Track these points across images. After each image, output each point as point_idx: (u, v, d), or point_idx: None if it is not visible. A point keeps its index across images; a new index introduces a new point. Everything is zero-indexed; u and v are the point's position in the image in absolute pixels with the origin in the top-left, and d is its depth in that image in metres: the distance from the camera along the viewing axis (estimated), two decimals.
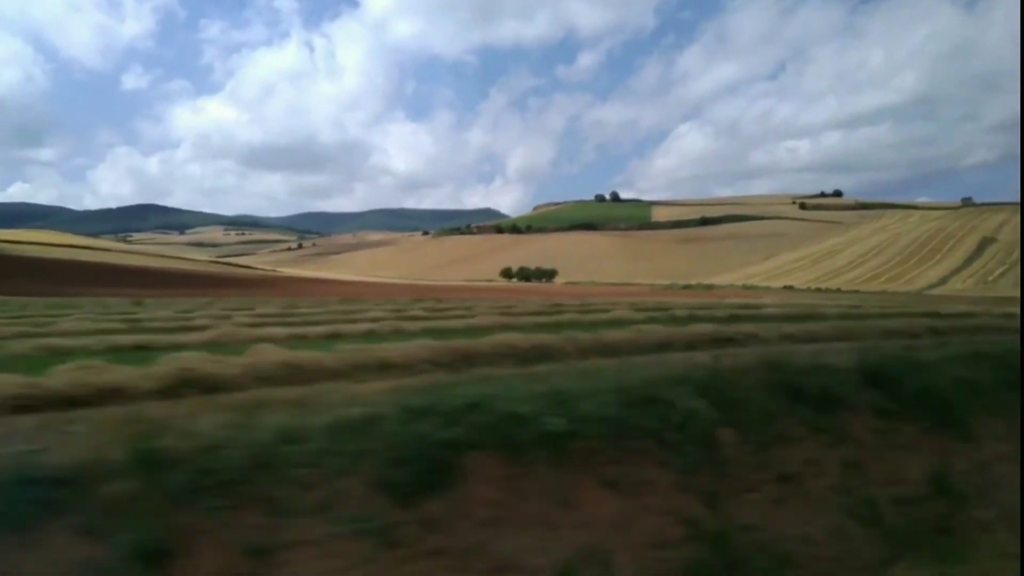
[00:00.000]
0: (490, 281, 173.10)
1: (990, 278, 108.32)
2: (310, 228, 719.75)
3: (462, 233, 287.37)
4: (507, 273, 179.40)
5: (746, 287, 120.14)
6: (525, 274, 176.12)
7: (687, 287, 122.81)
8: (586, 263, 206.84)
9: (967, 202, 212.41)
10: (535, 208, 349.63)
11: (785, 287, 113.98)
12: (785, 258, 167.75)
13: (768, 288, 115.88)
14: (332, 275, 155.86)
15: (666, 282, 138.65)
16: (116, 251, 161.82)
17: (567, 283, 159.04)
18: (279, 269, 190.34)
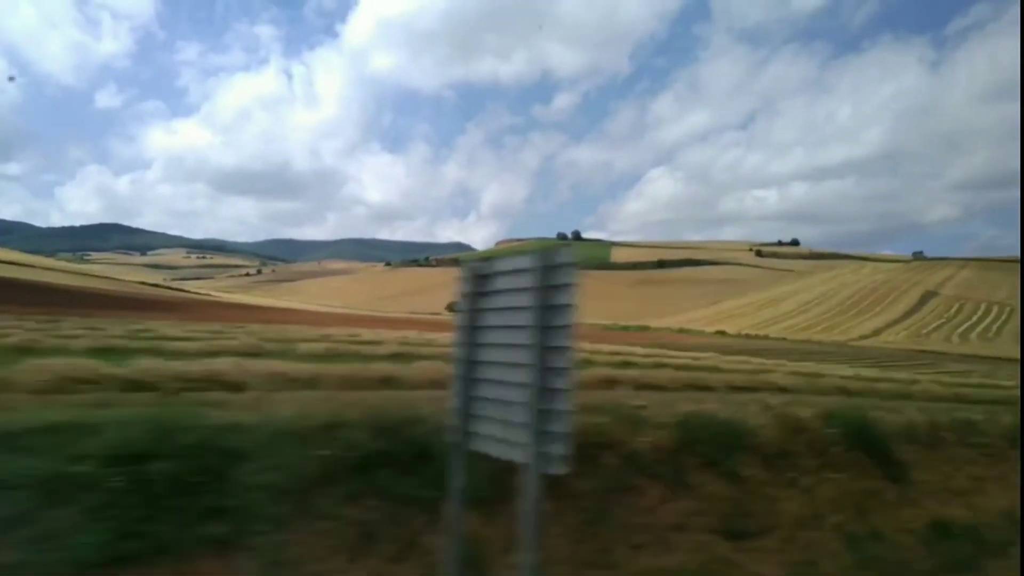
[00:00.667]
0: (435, 314, 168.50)
1: (924, 331, 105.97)
2: (278, 255, 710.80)
3: (420, 265, 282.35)
4: (453, 307, 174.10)
5: (681, 331, 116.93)
6: None
7: (624, 328, 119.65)
8: None
9: (918, 256, 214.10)
10: (498, 243, 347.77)
11: (718, 332, 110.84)
12: (731, 304, 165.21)
13: (702, 332, 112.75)
14: (259, 301, 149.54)
15: (607, 322, 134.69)
16: (55, 270, 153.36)
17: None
18: (214, 294, 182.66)
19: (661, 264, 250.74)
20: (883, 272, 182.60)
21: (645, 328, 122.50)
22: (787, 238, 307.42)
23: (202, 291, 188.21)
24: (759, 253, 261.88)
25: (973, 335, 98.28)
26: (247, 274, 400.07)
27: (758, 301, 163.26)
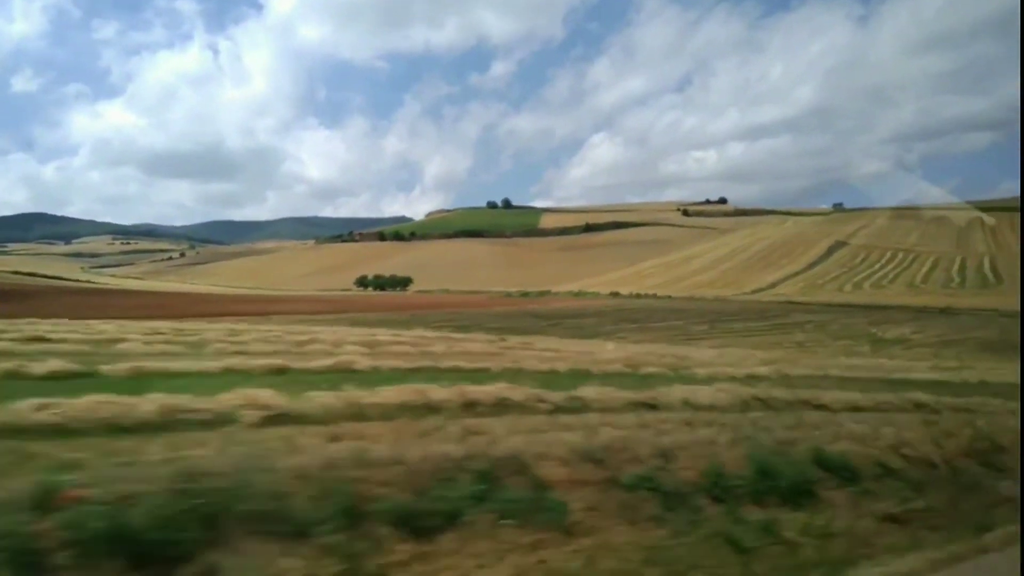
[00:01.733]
0: (345, 291, 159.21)
1: (820, 282, 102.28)
2: (214, 237, 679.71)
3: (344, 241, 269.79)
4: (362, 282, 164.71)
5: (575, 294, 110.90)
6: (380, 283, 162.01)
7: (524, 295, 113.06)
8: (463, 271, 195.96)
9: (838, 208, 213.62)
10: (428, 215, 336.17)
11: (612, 293, 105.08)
12: (647, 264, 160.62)
13: (596, 294, 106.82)
14: (160, 287, 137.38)
15: (515, 290, 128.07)
16: None
17: (418, 291, 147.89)
18: (111, 282, 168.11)
19: (588, 228, 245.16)
20: (802, 226, 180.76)
21: (544, 293, 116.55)
22: (729, 197, 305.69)
23: (98, 280, 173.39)
24: (686, 213, 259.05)
25: (867, 284, 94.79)
26: (170, 258, 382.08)
27: (671, 261, 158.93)
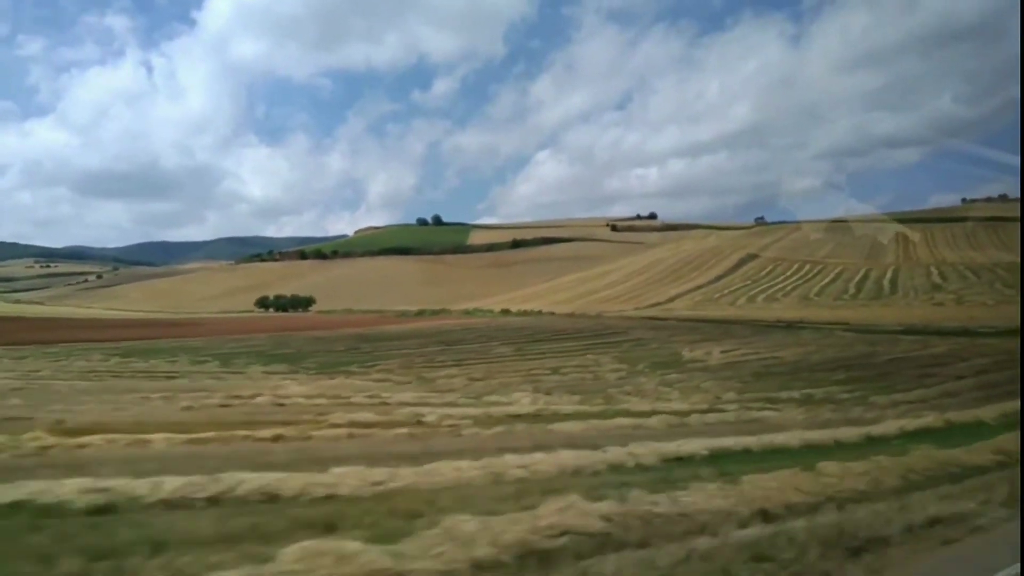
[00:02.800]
0: (248, 312, 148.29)
1: (716, 296, 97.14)
2: (147, 258, 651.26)
3: (263, 260, 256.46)
4: (263, 302, 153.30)
5: (468, 312, 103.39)
6: (281, 303, 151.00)
7: (419, 313, 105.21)
8: (380, 289, 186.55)
9: (759, 222, 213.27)
10: (357, 232, 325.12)
11: (503, 311, 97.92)
12: (566, 279, 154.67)
13: (490, 312, 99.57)
14: (44, 312, 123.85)
15: (415, 309, 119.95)
16: None
17: (320, 312, 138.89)
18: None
19: (516, 244, 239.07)
20: (722, 239, 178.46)
21: (442, 311, 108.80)
22: (672, 213, 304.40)
23: None
24: (614, 228, 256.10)
25: (761, 297, 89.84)
26: (86, 280, 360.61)
27: (591, 275, 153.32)
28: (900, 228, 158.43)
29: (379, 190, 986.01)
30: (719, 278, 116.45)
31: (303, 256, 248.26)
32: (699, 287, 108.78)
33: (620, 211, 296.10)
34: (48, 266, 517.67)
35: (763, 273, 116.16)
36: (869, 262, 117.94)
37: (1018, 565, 3.55)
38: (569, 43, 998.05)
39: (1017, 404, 9.76)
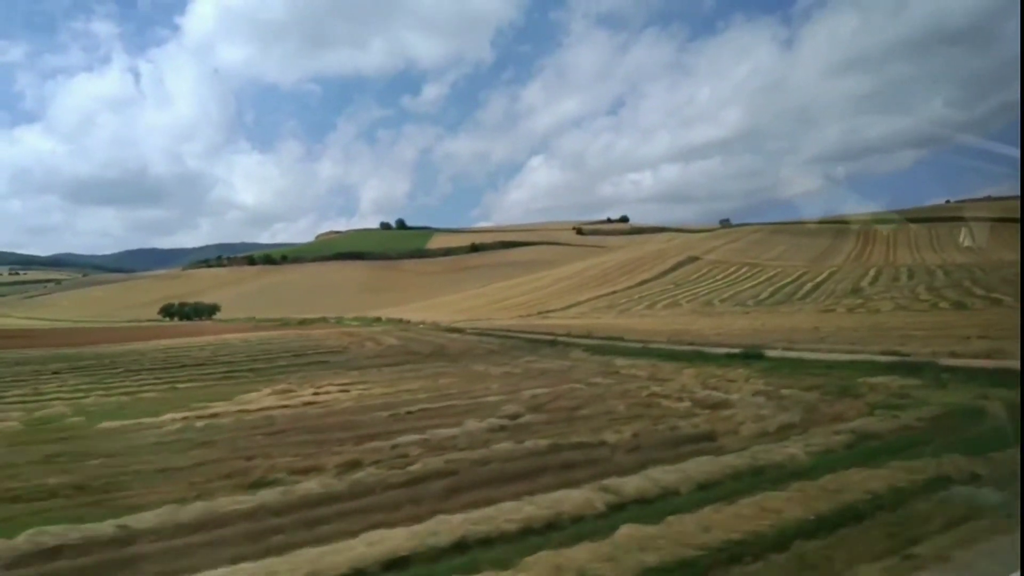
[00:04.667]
0: (155, 321, 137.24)
1: (622, 300, 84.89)
2: (136, 266, 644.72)
3: (210, 266, 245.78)
4: (167, 310, 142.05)
5: (339, 321, 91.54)
6: (184, 311, 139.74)
7: (303, 321, 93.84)
8: (319, 295, 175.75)
9: (724, 224, 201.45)
10: (318, 236, 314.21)
11: (375, 319, 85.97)
12: (492, 286, 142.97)
13: (378, 320, 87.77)
14: None
15: (299, 317, 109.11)
16: None
17: (221, 320, 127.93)
18: None
19: (474, 249, 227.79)
20: (676, 242, 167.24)
21: (308, 321, 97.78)
22: (667, 219, 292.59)
23: None
24: (580, 232, 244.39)
25: (662, 304, 77.47)
26: (46, 285, 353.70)
27: (528, 279, 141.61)
28: (886, 227, 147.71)
29: (372, 196, 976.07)
30: (644, 283, 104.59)
31: (251, 262, 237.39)
32: (613, 292, 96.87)
33: (614, 216, 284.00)
34: (17, 273, 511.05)
35: (692, 277, 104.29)
36: (814, 264, 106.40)
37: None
38: (559, 48, 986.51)
39: None
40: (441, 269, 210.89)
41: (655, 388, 14.70)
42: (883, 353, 17.72)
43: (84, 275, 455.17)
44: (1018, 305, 40.12)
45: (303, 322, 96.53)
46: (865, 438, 8.87)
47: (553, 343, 30.98)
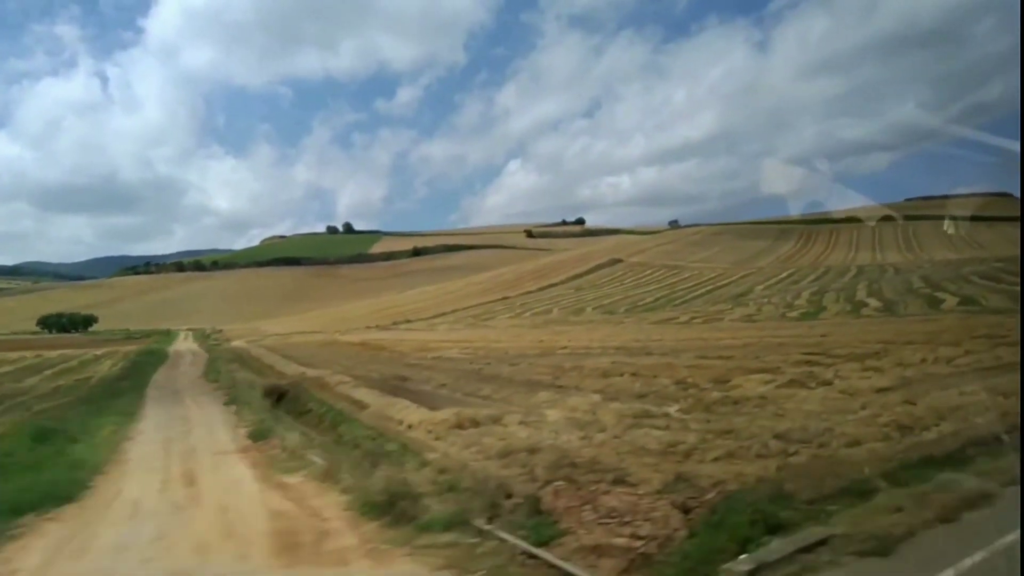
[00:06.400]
0: (35, 333, 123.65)
1: (498, 308, 73.29)
2: (105, 275, 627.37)
3: (137, 273, 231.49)
4: (45, 322, 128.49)
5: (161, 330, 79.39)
6: (61, 323, 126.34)
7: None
8: (235, 302, 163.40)
9: (673, 225, 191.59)
10: (263, 242, 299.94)
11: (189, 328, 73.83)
12: (412, 292, 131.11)
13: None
14: None
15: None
16: None
17: (91, 333, 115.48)
18: None
19: (417, 253, 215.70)
20: (611, 243, 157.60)
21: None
22: (645, 222, 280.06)
23: None
24: (530, 234, 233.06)
25: (532, 312, 65.85)
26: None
27: (445, 285, 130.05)
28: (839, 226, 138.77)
29: (347, 201, 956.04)
30: (547, 287, 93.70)
31: (180, 268, 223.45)
32: (505, 298, 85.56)
33: (592, 220, 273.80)
34: None
35: (600, 281, 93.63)
36: (738, 267, 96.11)
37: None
38: (533, 50, 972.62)
39: None
40: (376, 275, 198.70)
41: None
42: None
43: (35, 282, 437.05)
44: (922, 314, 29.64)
45: (129, 336, 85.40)
46: None
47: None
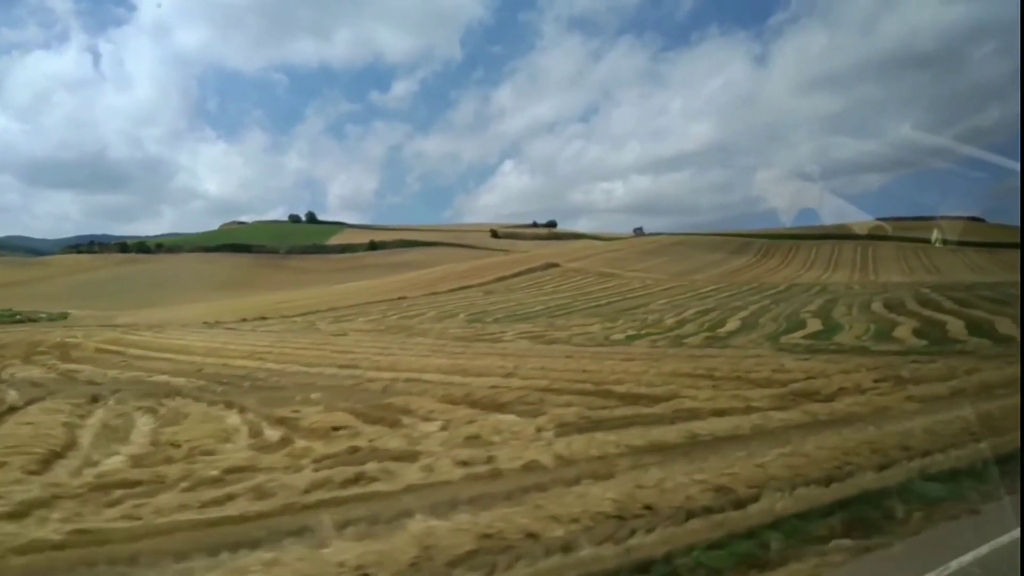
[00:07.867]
0: None
1: (372, 311, 63.72)
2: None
3: (80, 252, 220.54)
4: None
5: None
6: None
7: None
8: (162, 288, 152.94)
9: (638, 232, 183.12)
10: (221, 226, 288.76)
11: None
12: (340, 287, 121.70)
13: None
14: None
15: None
16: None
17: None
18: None
19: (374, 246, 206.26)
20: (554, 248, 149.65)
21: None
22: (633, 230, 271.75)
23: None
24: (495, 234, 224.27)
25: (396, 317, 56.35)
26: None
27: (369, 282, 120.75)
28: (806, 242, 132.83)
29: (338, 192, 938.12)
30: (459, 290, 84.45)
31: (124, 249, 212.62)
32: (401, 298, 76.12)
33: (585, 225, 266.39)
34: None
35: (520, 286, 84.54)
36: (675, 278, 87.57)
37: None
38: (532, 50, 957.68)
39: None
40: (326, 267, 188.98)
41: None
42: None
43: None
44: None
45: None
46: None
47: None
